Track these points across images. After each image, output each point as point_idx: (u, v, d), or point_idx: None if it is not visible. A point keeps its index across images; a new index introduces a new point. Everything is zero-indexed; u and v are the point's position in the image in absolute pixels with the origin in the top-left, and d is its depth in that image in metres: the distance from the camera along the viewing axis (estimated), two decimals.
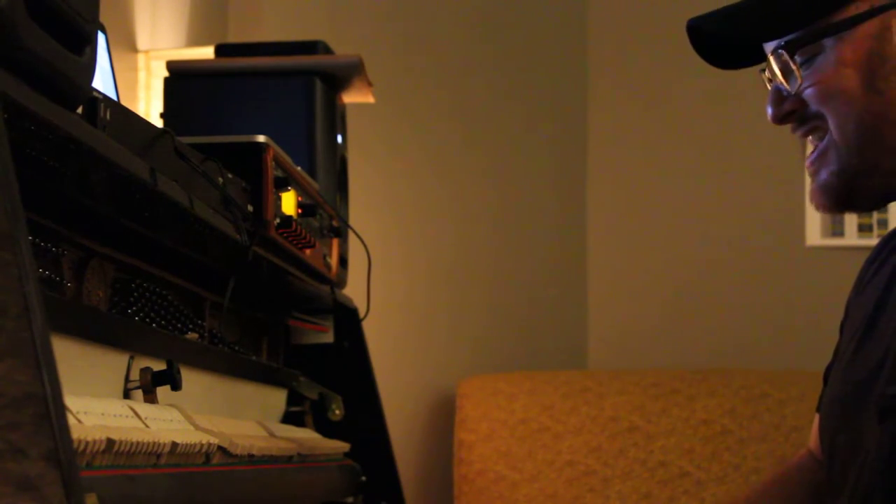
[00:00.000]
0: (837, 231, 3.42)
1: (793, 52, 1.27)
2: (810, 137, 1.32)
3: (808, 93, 1.28)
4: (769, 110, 1.32)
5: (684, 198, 3.58)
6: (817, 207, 1.32)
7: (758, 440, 3.12)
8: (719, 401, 3.18)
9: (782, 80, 1.29)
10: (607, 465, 3.13)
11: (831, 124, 1.27)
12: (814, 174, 1.31)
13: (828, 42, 1.26)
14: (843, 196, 1.29)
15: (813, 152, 1.31)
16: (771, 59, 1.29)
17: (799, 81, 1.27)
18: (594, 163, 3.65)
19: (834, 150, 1.27)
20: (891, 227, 3.34)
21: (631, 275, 3.61)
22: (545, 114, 3.62)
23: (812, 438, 1.52)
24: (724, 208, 3.55)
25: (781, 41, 1.28)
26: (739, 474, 3.09)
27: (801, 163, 3.61)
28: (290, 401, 1.96)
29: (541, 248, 3.60)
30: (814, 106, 1.28)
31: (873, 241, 3.34)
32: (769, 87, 1.32)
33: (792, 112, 1.31)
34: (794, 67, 1.27)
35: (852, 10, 1.25)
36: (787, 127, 1.34)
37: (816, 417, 1.47)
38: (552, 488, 3.12)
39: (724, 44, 1.35)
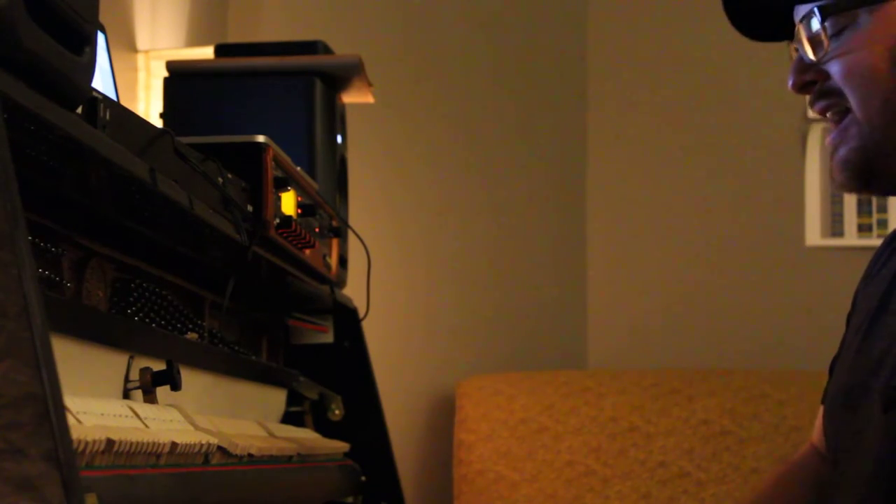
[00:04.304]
0: (837, 231, 3.42)
1: (824, 19, 1.25)
2: (828, 115, 1.30)
3: (834, 66, 1.26)
4: (790, 78, 1.30)
5: (684, 197, 3.58)
6: (837, 186, 1.30)
7: (758, 440, 3.12)
8: (719, 401, 3.18)
9: (808, 48, 1.27)
10: (607, 465, 3.13)
11: (853, 103, 1.25)
12: (833, 151, 1.29)
13: (861, 16, 1.24)
14: (863, 174, 1.27)
15: (835, 130, 1.29)
16: (800, 26, 1.27)
17: (825, 50, 1.25)
18: (594, 162, 3.65)
19: (856, 126, 1.26)
20: (891, 227, 3.35)
21: (631, 275, 3.61)
22: (545, 113, 3.62)
23: (815, 431, 1.52)
24: (723, 208, 3.55)
25: (814, 7, 1.26)
26: (739, 474, 3.09)
27: (801, 163, 3.60)
28: (290, 401, 1.96)
29: (541, 248, 3.60)
30: (836, 81, 1.26)
31: (873, 241, 3.35)
32: (794, 57, 1.31)
33: (813, 83, 1.29)
34: (822, 35, 1.25)
35: None
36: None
37: (820, 410, 1.46)
38: (552, 488, 3.12)
39: (757, 11, 1.34)
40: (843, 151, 1.28)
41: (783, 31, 1.34)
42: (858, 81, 1.25)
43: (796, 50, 1.30)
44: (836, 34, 1.25)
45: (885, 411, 1.23)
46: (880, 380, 1.26)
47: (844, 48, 1.25)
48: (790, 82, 1.31)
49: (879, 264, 1.39)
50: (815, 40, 1.27)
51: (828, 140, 1.31)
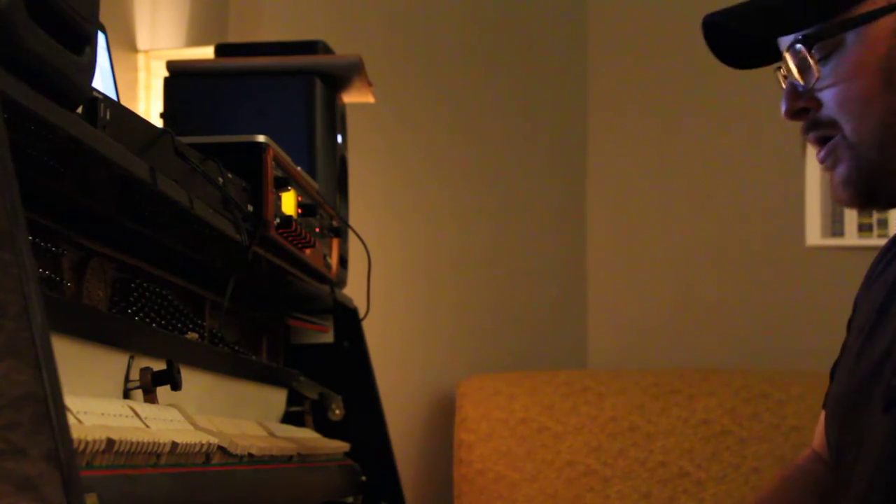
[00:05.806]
0: (837, 231, 3.42)
1: (810, 47, 1.26)
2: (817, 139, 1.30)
3: (826, 95, 1.26)
4: (783, 105, 1.30)
5: (684, 197, 3.58)
6: (840, 203, 1.31)
7: (758, 440, 3.12)
8: (719, 401, 3.18)
9: (798, 76, 1.27)
10: (607, 465, 3.13)
11: (848, 129, 1.25)
12: (829, 170, 1.29)
13: (847, 38, 1.24)
14: (864, 191, 1.27)
15: (821, 150, 1.29)
16: (787, 55, 1.28)
17: (816, 76, 1.26)
18: (594, 162, 3.65)
19: (846, 146, 1.26)
20: (891, 226, 3.34)
21: (631, 275, 3.61)
22: (545, 113, 3.62)
23: (816, 437, 1.52)
24: (723, 208, 3.55)
25: (799, 35, 1.26)
26: (739, 474, 3.09)
27: (801, 163, 3.60)
28: (290, 401, 1.96)
29: (541, 248, 3.60)
30: (829, 111, 1.26)
31: (873, 241, 3.35)
32: (783, 85, 1.31)
33: (806, 110, 1.29)
34: (811, 62, 1.25)
35: (868, 7, 1.24)
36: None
37: (821, 415, 1.47)
38: (552, 488, 3.12)
39: (740, 42, 1.34)
40: (842, 170, 1.28)
41: (763, 59, 1.34)
42: (853, 109, 1.25)
43: (785, 76, 1.30)
44: (824, 58, 1.26)
45: (886, 411, 1.24)
46: (881, 380, 1.26)
47: (836, 76, 1.25)
48: (783, 109, 1.30)
49: (880, 269, 1.40)
50: (803, 67, 1.27)
51: (818, 157, 1.31)
